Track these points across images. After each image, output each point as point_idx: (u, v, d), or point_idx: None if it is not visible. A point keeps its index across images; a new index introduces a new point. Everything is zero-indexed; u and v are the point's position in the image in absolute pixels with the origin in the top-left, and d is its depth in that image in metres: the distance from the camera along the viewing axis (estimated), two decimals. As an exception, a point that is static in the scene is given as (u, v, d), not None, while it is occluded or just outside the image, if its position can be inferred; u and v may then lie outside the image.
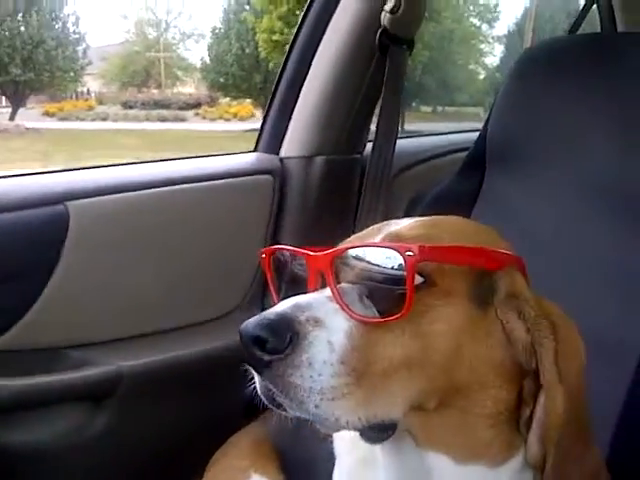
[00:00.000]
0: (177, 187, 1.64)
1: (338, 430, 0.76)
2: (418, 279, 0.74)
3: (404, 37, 1.68)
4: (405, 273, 0.72)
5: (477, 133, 1.68)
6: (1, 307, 1.45)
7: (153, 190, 1.60)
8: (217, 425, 1.50)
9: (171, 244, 1.65)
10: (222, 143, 13.75)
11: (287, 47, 1.88)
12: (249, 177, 1.76)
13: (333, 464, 1.12)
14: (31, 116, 18.20)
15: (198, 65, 22.33)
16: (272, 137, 1.85)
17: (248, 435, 1.46)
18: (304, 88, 1.80)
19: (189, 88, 23.81)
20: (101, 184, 1.56)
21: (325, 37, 1.74)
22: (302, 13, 1.80)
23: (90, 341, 1.57)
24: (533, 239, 1.39)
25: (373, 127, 1.82)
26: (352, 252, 0.79)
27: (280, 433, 1.41)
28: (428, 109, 21.08)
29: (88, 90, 22.34)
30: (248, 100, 19.99)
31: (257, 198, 1.77)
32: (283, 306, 0.71)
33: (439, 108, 22.14)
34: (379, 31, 1.64)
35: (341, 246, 0.80)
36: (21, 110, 18.81)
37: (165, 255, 1.64)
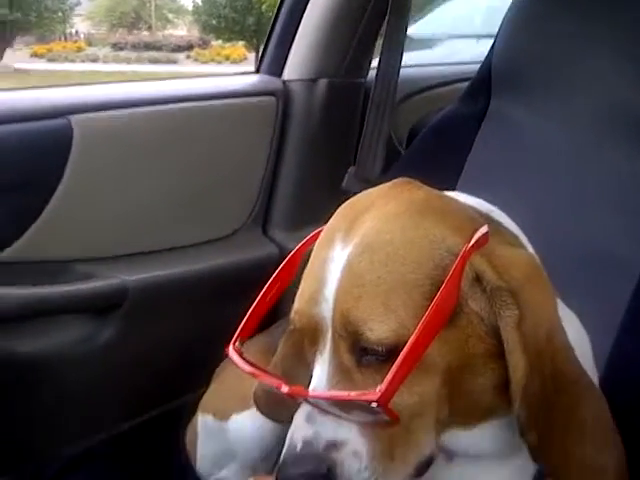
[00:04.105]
0: (181, 105, 1.62)
1: None
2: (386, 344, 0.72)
3: (412, -46, 1.64)
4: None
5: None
6: (6, 219, 1.45)
7: (157, 107, 1.59)
8: (221, 341, 1.52)
9: (175, 162, 1.65)
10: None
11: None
12: (252, 98, 1.75)
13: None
14: (19, 57, 17.78)
15: (190, 7, 21.79)
16: (275, 59, 1.84)
17: (255, 345, 1.46)
18: (307, 8, 1.77)
19: (180, 31, 23.27)
20: (104, 99, 1.54)
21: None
22: None
23: (95, 256, 1.58)
24: (540, 160, 1.40)
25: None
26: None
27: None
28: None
29: (77, 31, 21.77)
30: (241, 43, 19.57)
31: (260, 119, 1.75)
32: (298, 443, 0.73)
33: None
34: (387, -54, 1.60)
35: (306, 392, 0.75)
36: (8, 51, 18.36)
37: (169, 173, 1.64)
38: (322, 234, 0.83)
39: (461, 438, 0.81)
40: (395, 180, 0.84)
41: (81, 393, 1.57)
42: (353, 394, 0.71)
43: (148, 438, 1.61)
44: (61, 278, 1.51)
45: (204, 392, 1.44)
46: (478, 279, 0.74)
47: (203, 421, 1.40)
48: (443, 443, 0.80)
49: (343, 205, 0.84)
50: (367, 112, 1.74)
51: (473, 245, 0.74)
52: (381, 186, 0.84)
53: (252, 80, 1.82)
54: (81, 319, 1.55)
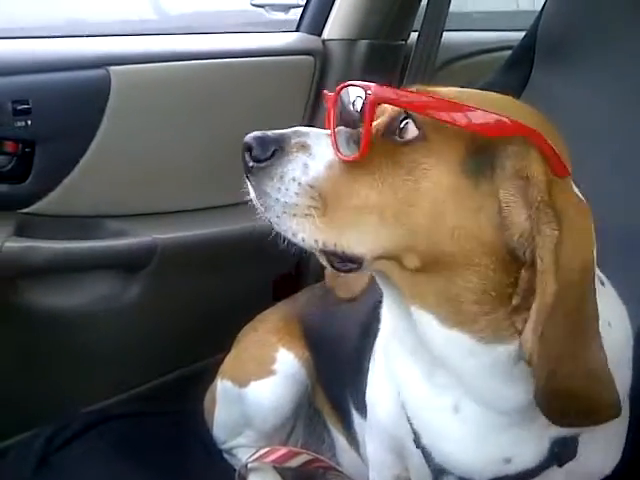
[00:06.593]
0: (218, 61, 1.61)
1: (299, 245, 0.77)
2: (413, 132, 0.74)
3: None
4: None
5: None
6: (42, 170, 1.45)
7: (195, 62, 1.58)
8: (246, 303, 1.53)
9: (209, 120, 1.64)
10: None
11: None
12: (290, 57, 1.73)
13: (358, 341, 1.18)
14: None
15: None
16: (315, 17, 1.80)
17: (277, 313, 1.49)
18: (351, -34, 1.72)
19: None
20: (144, 52, 1.54)
21: None
22: None
23: (126, 213, 1.59)
24: (581, 132, 1.35)
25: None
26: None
27: (308, 313, 1.45)
28: None
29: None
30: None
31: (297, 78, 1.74)
32: (290, 129, 0.78)
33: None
34: None
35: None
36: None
37: (203, 131, 1.63)
38: None
39: (437, 332, 0.79)
40: None
41: (103, 351, 1.59)
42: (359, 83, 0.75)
43: (167, 400, 1.63)
44: (92, 234, 1.53)
45: (224, 357, 1.46)
46: (528, 180, 0.72)
47: (222, 387, 1.42)
48: (418, 331, 0.80)
49: None
50: (405, 77, 1.71)
51: (545, 150, 0.72)
52: None
53: (291, 38, 1.80)
54: (109, 276, 1.57)
